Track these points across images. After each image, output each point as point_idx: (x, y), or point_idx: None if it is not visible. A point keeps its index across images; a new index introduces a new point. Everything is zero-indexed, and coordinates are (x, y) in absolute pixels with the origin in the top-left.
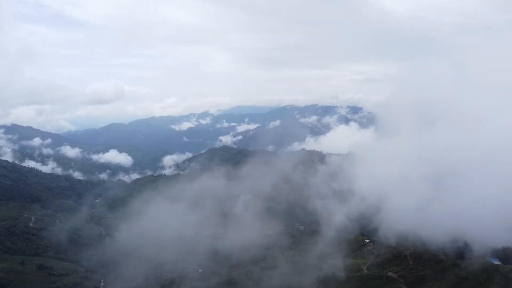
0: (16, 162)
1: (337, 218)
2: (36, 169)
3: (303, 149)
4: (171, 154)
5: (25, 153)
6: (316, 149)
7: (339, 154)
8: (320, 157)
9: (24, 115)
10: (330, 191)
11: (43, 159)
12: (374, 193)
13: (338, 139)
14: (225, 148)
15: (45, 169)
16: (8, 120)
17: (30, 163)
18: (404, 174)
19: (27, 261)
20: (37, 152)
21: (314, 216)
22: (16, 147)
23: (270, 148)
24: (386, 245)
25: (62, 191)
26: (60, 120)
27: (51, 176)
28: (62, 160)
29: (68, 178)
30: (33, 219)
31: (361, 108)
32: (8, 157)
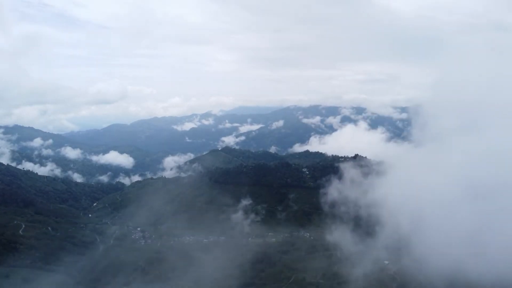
0: (14, 163)
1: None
2: (31, 171)
3: (307, 150)
4: (173, 155)
5: (24, 154)
6: (320, 151)
7: (363, 159)
8: (331, 162)
9: (27, 115)
10: (348, 205)
11: (41, 160)
12: (406, 212)
13: (343, 140)
14: (227, 150)
15: (43, 170)
16: (10, 120)
17: (28, 165)
18: (447, 191)
19: (13, 273)
20: (36, 153)
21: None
22: (15, 148)
23: (273, 149)
24: (409, 268)
25: (58, 194)
26: (63, 120)
27: (47, 179)
28: (61, 162)
29: (65, 181)
30: (23, 226)
31: (365, 109)
32: (6, 158)
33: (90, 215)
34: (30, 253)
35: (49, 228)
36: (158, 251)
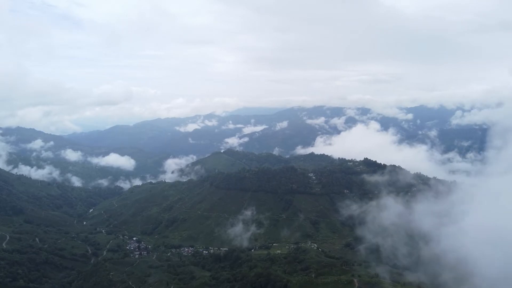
0: (10, 167)
1: None
2: (24, 176)
3: (312, 153)
4: (175, 156)
5: (22, 156)
6: (326, 153)
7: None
8: (339, 167)
9: (30, 117)
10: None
11: (39, 163)
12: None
13: (349, 142)
14: (229, 152)
15: (41, 173)
16: (14, 121)
17: (24, 168)
18: None
19: None
20: (35, 155)
21: None
22: (14, 150)
23: (277, 151)
24: None
25: (52, 200)
26: (66, 122)
27: (41, 183)
28: (60, 164)
29: (60, 186)
30: (7, 237)
31: (370, 110)
32: (1, 161)
33: (84, 223)
34: (12, 270)
35: (37, 239)
36: (153, 266)
